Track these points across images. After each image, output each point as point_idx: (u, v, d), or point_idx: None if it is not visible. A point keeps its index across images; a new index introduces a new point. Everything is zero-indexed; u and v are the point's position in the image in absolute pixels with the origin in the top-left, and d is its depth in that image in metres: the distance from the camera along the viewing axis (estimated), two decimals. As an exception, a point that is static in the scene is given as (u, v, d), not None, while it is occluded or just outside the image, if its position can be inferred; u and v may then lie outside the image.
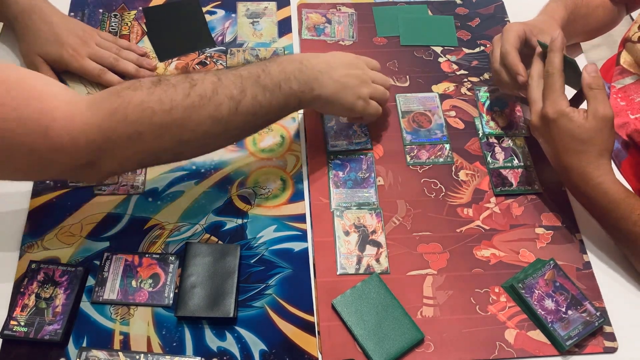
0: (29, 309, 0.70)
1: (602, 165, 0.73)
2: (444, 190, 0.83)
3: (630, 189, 0.75)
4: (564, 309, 0.73)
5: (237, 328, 0.72)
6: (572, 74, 0.76)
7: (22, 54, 0.89)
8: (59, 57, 0.86)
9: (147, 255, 0.75)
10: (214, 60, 0.94)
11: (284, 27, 0.99)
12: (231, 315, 0.71)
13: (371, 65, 0.85)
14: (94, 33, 0.90)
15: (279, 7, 1.01)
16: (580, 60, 0.98)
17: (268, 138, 0.87)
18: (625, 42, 0.91)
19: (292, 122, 0.89)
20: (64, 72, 0.89)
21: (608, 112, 0.72)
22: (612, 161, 0.76)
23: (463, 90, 0.93)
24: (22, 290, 0.71)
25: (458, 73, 0.95)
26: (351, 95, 0.79)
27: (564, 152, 0.74)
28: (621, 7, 0.96)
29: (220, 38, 0.97)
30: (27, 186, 0.80)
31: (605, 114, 0.72)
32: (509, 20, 1.02)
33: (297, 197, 0.82)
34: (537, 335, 0.73)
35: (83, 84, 0.89)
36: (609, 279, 0.78)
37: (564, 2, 0.90)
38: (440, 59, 0.97)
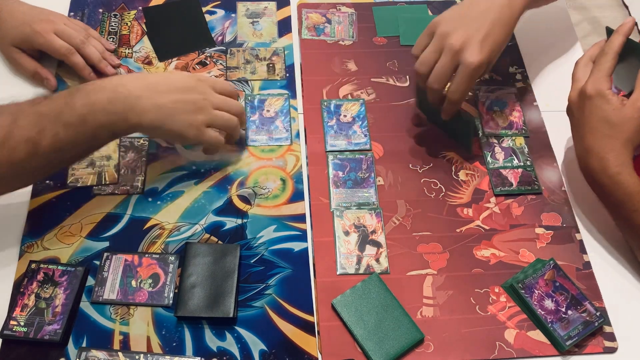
0: (28, 309, 0.70)
1: (623, 156, 0.72)
2: (443, 190, 0.83)
3: None
4: (563, 309, 0.73)
5: (237, 328, 0.72)
6: (637, 62, 0.74)
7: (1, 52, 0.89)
8: (26, 36, 0.85)
9: (146, 255, 0.75)
10: (214, 60, 0.94)
11: (284, 27, 0.99)
12: (231, 315, 0.71)
13: (219, 89, 0.79)
14: (63, 17, 0.90)
15: (279, 7, 1.01)
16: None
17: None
18: None
19: (293, 121, 0.89)
20: (59, 67, 0.89)
21: None
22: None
23: (463, 90, 0.93)
24: (22, 290, 0.71)
25: (458, 73, 0.95)
26: (181, 123, 0.73)
27: (590, 133, 0.73)
28: None
29: (220, 38, 0.97)
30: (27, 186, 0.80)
31: None
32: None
33: (297, 197, 0.82)
34: (537, 335, 0.73)
35: (79, 81, 0.89)
36: (609, 279, 0.78)
37: None
38: (440, 59, 0.97)
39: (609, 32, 0.77)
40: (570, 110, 0.77)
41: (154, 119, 0.71)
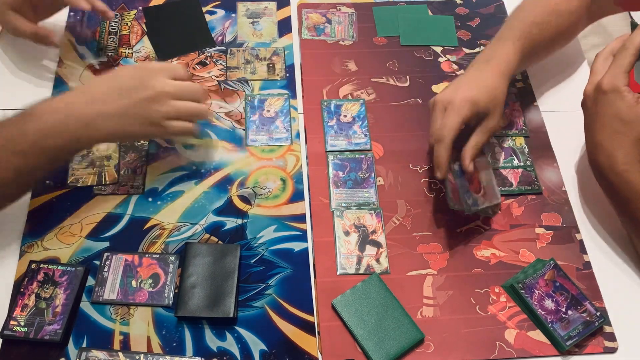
0: (29, 309, 0.70)
1: (632, 154, 0.71)
2: (443, 190, 0.83)
3: None
4: (564, 309, 0.73)
5: (237, 328, 0.72)
6: None
7: None
8: None
9: (147, 256, 0.75)
10: (214, 60, 0.94)
11: (284, 27, 0.99)
12: (231, 315, 0.71)
13: (170, 75, 0.74)
14: None
15: (279, 7, 1.01)
16: (578, 52, 0.98)
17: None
18: None
19: (293, 121, 0.89)
20: (59, 68, 0.89)
21: None
22: None
23: (463, 90, 0.93)
24: (22, 290, 0.71)
25: (458, 73, 0.95)
26: (139, 124, 0.71)
27: (602, 128, 0.73)
28: (582, 22, 0.89)
29: (220, 38, 0.97)
30: (27, 186, 0.80)
31: None
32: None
33: (297, 197, 0.82)
34: (537, 335, 0.73)
35: (81, 66, 0.90)
36: (609, 279, 0.77)
37: (517, 45, 0.80)
38: (440, 59, 0.97)
39: (634, 26, 0.76)
40: (584, 104, 0.76)
41: (111, 128, 0.70)
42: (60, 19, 0.94)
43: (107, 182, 0.81)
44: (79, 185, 0.81)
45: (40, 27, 0.86)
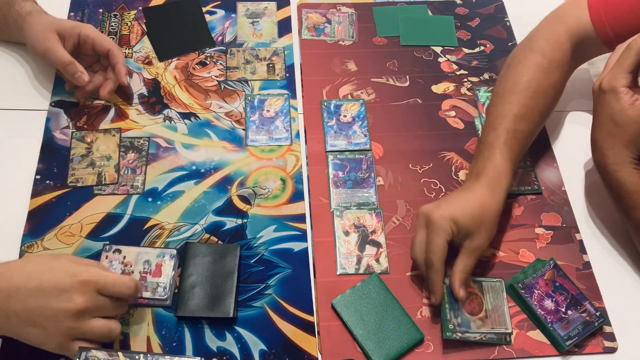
0: (28, 310, 0.69)
1: (622, 156, 0.72)
2: (443, 190, 0.83)
3: None
4: (563, 309, 0.73)
5: (237, 328, 0.72)
6: None
7: (38, 41, 0.84)
8: (74, 24, 0.85)
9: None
10: (214, 60, 0.94)
11: (284, 27, 0.99)
12: (231, 315, 0.71)
13: (109, 292, 0.64)
14: None
15: (279, 7, 1.01)
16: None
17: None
18: None
19: (293, 121, 0.89)
20: (59, 71, 0.88)
21: None
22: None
23: (463, 90, 0.93)
24: (22, 290, 0.71)
25: (458, 73, 0.95)
26: (36, 333, 0.62)
27: (598, 127, 0.74)
28: (566, 79, 0.85)
29: (220, 38, 0.97)
30: (27, 186, 0.80)
31: None
32: (508, 21, 1.02)
33: (297, 197, 0.82)
34: (537, 335, 0.73)
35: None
36: (609, 279, 0.77)
37: (504, 151, 0.75)
38: (440, 59, 0.97)
39: None
40: (593, 99, 0.76)
41: (3, 326, 0.62)
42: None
43: (107, 182, 0.81)
44: (79, 185, 0.81)
45: (76, 62, 0.84)
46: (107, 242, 0.76)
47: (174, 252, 0.75)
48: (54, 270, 0.62)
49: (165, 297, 0.73)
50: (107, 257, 0.74)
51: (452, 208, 0.71)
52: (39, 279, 0.61)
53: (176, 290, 0.73)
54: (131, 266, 0.74)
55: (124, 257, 0.75)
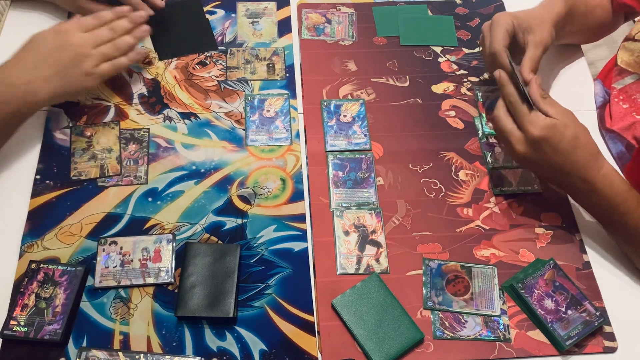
0: (28, 309, 0.70)
1: (600, 156, 0.74)
2: (443, 190, 0.83)
3: None
4: (563, 309, 0.73)
5: (237, 328, 0.72)
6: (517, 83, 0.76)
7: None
8: None
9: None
10: (214, 60, 0.94)
11: (284, 27, 0.99)
12: (231, 315, 0.71)
13: (83, 28, 0.81)
14: None
15: (279, 7, 1.01)
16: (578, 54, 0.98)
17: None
18: (625, 40, 0.90)
19: (292, 121, 0.89)
20: None
21: (561, 107, 0.74)
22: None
23: (463, 90, 0.93)
24: (22, 290, 0.71)
25: (458, 73, 0.95)
26: (74, 80, 0.79)
27: (564, 159, 0.73)
28: (620, 14, 0.95)
29: (220, 38, 0.97)
30: (27, 186, 0.80)
31: (561, 108, 0.74)
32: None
33: (297, 197, 0.82)
34: (537, 335, 0.73)
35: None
36: (609, 279, 0.78)
37: (569, 2, 0.88)
38: (440, 59, 0.97)
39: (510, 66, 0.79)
40: (525, 160, 0.77)
41: (51, 90, 0.77)
42: (60, 18, 0.94)
43: (110, 174, 0.81)
44: (82, 178, 0.81)
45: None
46: (102, 236, 0.76)
47: (170, 236, 0.76)
48: (38, 45, 0.78)
49: (169, 280, 0.73)
50: (103, 250, 0.75)
51: (514, 12, 0.84)
52: (36, 53, 0.77)
53: (176, 290, 0.73)
54: (129, 255, 0.74)
55: (121, 248, 0.75)
